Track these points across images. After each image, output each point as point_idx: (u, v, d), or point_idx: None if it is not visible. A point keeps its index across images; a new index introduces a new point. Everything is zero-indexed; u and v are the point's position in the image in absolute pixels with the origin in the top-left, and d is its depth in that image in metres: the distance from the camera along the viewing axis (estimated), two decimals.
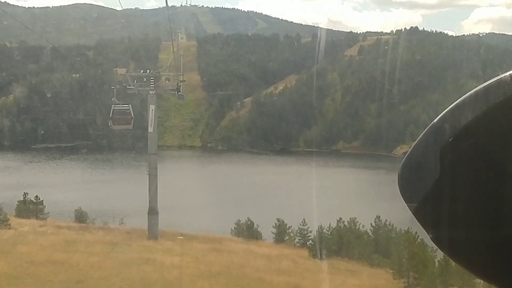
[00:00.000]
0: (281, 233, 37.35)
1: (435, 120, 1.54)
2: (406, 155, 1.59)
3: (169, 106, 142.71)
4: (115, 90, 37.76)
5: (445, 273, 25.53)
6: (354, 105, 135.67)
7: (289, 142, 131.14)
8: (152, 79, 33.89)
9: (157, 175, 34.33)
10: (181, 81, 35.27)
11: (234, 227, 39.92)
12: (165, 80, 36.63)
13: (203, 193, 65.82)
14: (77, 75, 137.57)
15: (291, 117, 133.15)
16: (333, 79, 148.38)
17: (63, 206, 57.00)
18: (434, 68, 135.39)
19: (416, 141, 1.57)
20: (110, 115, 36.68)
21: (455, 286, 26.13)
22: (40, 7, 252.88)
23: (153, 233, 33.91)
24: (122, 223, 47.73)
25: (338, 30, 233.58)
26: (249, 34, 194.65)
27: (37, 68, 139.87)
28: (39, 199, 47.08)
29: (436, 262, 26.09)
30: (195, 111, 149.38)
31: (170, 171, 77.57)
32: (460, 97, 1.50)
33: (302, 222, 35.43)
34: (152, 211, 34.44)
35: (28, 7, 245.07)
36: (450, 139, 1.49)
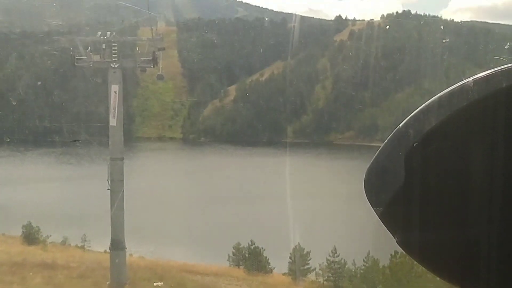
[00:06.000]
0: (300, 264, 27.26)
1: (400, 125, 1.56)
2: (372, 160, 1.60)
3: (148, 94, 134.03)
4: None
5: None
6: (346, 93, 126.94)
7: (277, 133, 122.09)
8: (114, 46, 22.42)
9: (123, 190, 22.71)
10: (159, 49, 23.69)
11: (233, 253, 29.65)
12: (136, 49, 25.03)
13: (186, 199, 55.38)
14: (49, 61, 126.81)
15: (278, 106, 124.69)
16: (323, 65, 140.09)
17: (16, 212, 46.93)
18: (431, 53, 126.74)
19: (381, 146, 1.59)
20: None
21: None
22: None
23: (118, 279, 22.97)
24: (85, 241, 37.78)
25: (320, 18, 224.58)
26: (232, 19, 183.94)
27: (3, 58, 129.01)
28: None
29: None
30: (176, 100, 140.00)
31: (146, 170, 67.03)
32: (424, 102, 1.52)
33: (332, 252, 25.49)
34: (116, 246, 23.13)
35: None
36: (415, 144, 1.51)
